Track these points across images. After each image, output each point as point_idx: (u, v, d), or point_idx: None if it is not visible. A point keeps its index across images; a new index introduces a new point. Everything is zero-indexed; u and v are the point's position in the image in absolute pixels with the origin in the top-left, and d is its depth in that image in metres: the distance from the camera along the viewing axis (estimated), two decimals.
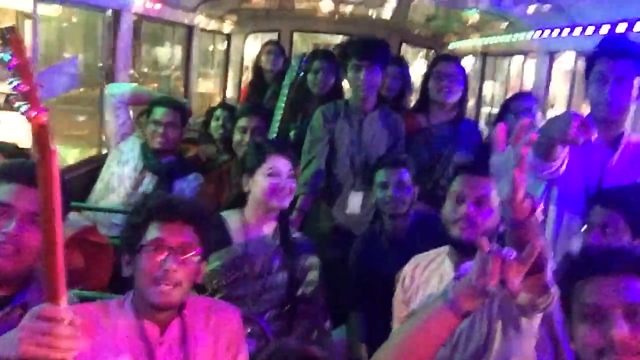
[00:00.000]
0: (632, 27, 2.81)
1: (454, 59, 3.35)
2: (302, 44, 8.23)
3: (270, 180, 2.24)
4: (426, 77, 3.23)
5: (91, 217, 3.01)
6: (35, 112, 1.04)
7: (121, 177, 3.11)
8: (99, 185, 3.18)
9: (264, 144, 2.45)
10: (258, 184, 2.26)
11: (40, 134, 1.07)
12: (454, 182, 1.98)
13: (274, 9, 6.76)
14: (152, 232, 1.63)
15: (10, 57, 1.02)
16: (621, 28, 2.92)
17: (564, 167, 2.00)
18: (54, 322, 1.13)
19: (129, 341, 1.60)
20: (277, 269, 2.27)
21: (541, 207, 1.50)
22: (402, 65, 3.90)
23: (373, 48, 2.96)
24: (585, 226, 1.99)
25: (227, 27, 6.69)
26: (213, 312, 1.73)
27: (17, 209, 1.51)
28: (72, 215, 2.55)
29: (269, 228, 2.31)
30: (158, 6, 4.48)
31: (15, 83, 1.03)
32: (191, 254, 1.63)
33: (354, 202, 2.95)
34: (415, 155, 2.94)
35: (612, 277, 1.24)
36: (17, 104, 1.05)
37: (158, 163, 3.12)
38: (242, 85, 6.36)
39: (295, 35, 7.36)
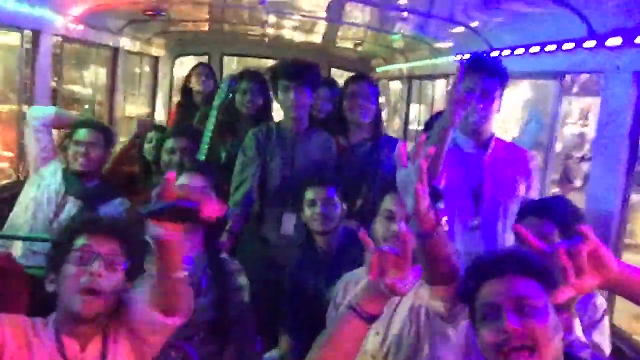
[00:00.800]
0: (544, 49, 3.00)
1: (366, 78, 3.42)
2: (232, 66, 8.22)
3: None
4: (341, 98, 3.28)
5: (7, 244, 2.84)
6: None
7: (41, 202, 2.96)
8: (16, 210, 3.01)
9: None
10: None
11: None
12: (385, 201, 2.02)
13: (202, 32, 6.74)
14: (80, 242, 1.64)
15: None
16: (534, 49, 3.11)
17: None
18: None
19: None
20: (205, 290, 2.21)
21: (445, 218, 1.60)
22: (333, 88, 3.95)
23: (302, 70, 3.00)
24: (514, 236, 2.10)
25: (155, 50, 6.59)
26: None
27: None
28: None
29: (194, 249, 2.25)
30: (81, 27, 4.36)
31: None
32: (118, 263, 1.64)
33: (288, 223, 2.93)
34: (341, 174, 2.97)
35: (501, 279, 1.40)
36: None
37: (82, 187, 2.99)
38: (172, 108, 6.27)
39: (226, 59, 7.36)
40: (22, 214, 2.98)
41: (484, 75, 2.39)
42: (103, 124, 3.32)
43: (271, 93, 3.26)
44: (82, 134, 3.01)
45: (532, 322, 1.33)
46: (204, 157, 3.21)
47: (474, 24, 3.73)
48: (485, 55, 3.13)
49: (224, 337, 2.21)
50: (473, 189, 2.48)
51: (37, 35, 3.78)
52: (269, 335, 2.55)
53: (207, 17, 5.70)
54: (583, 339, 1.70)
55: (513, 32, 3.37)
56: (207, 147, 3.25)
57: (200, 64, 4.66)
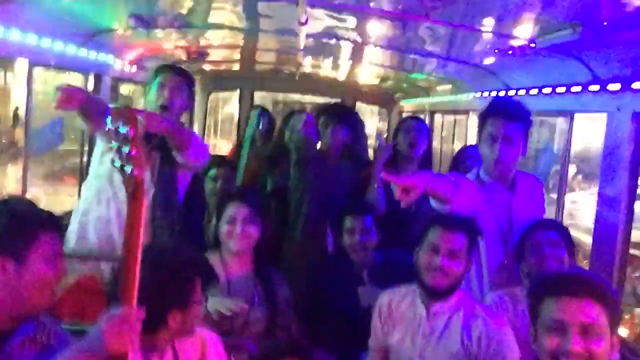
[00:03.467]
0: (555, 90, 3.35)
1: (419, 118, 3.85)
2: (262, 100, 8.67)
3: (227, 226, 2.57)
4: (395, 132, 3.70)
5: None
6: (137, 171, 1.39)
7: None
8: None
9: (226, 194, 2.84)
10: (221, 229, 2.59)
11: (137, 188, 1.44)
12: (429, 233, 2.27)
13: (235, 70, 7.22)
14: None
15: (127, 130, 1.37)
16: (546, 90, 3.46)
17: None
18: (132, 321, 1.41)
19: None
20: (258, 304, 2.53)
21: None
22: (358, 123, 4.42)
23: (340, 112, 3.50)
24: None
25: None
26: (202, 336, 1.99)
27: None
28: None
29: (246, 266, 2.60)
30: (134, 69, 4.83)
31: (125, 149, 1.38)
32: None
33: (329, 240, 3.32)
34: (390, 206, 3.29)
35: (575, 299, 1.59)
36: (117, 163, 1.39)
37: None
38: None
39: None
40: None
41: (506, 120, 2.49)
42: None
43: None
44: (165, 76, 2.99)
45: (593, 346, 1.55)
46: (240, 183, 3.57)
47: (490, 64, 4.09)
48: (505, 98, 3.40)
49: None
50: (502, 232, 2.60)
51: (98, 77, 4.24)
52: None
53: (239, 57, 6.18)
54: None
55: (527, 74, 3.73)
56: (242, 174, 3.61)
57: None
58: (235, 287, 2.53)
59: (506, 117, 2.52)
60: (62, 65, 3.57)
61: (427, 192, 2.41)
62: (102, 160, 2.95)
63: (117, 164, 1.43)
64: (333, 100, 6.52)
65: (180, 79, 3.00)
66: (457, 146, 5.50)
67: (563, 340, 1.56)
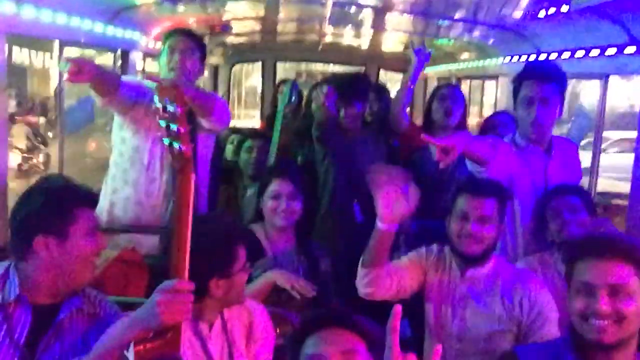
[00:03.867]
0: (588, 53, 3.28)
1: (455, 85, 3.80)
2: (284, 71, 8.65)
3: (272, 202, 2.60)
4: (430, 100, 3.68)
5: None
6: (185, 148, 1.42)
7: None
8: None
9: (269, 169, 2.87)
10: (265, 204, 2.62)
11: (185, 164, 1.48)
12: (458, 200, 2.28)
13: (256, 42, 7.19)
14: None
15: (174, 107, 1.40)
16: (579, 54, 3.38)
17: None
18: (185, 293, 1.46)
19: (189, 340, 1.87)
20: (303, 277, 2.54)
21: None
22: (381, 93, 4.41)
23: (350, 86, 3.52)
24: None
25: (215, 59, 7.07)
26: (248, 307, 2.04)
27: None
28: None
29: (290, 241, 2.65)
30: (159, 45, 4.84)
31: (173, 127, 1.41)
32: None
33: (358, 212, 3.33)
34: (420, 169, 3.32)
35: (602, 260, 1.60)
36: (167, 140, 1.42)
37: None
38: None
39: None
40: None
41: (542, 82, 2.49)
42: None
43: None
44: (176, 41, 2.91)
45: (622, 306, 1.56)
46: (274, 156, 3.59)
47: (520, 27, 4.00)
48: (540, 61, 3.35)
49: None
50: (538, 196, 2.61)
51: (125, 54, 4.27)
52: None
53: (260, 28, 6.14)
54: None
55: (559, 37, 3.65)
56: (276, 147, 3.63)
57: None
58: (281, 262, 2.58)
59: (542, 79, 2.52)
60: (91, 43, 3.60)
61: (466, 154, 2.44)
62: (123, 136, 2.94)
63: (166, 141, 1.46)
64: (355, 69, 6.45)
65: (190, 42, 2.91)
66: (487, 113, 5.43)
67: (591, 301, 1.58)
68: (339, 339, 1.45)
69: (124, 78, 2.87)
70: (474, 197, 2.23)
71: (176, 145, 1.45)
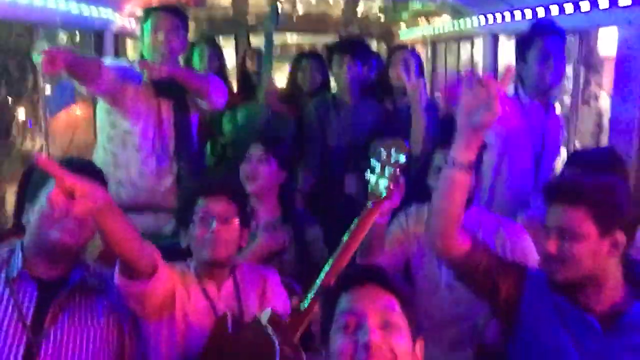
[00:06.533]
0: (563, 10, 3.33)
1: (407, 47, 3.81)
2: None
3: (242, 165, 2.60)
4: (387, 66, 3.65)
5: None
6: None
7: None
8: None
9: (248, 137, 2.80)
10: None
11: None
12: (435, 156, 2.37)
13: (229, 15, 7.10)
14: (200, 205, 1.99)
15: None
16: (554, 11, 3.44)
17: None
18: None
19: (195, 300, 1.93)
20: (289, 247, 2.56)
21: None
22: (378, 58, 4.37)
23: (353, 46, 3.43)
24: None
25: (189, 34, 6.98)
26: (262, 273, 2.09)
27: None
28: None
29: (272, 211, 2.62)
30: (133, 23, 4.77)
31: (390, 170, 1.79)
32: (232, 218, 1.98)
33: (350, 183, 3.35)
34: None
35: (559, 205, 1.65)
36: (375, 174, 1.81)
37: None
38: None
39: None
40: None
41: (554, 38, 2.55)
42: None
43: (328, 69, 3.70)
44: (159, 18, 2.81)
45: (567, 247, 1.62)
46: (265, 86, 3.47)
47: None
48: (541, 19, 3.31)
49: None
50: (536, 153, 2.66)
51: (99, 34, 4.21)
52: None
53: (231, 1, 6.07)
54: None
55: None
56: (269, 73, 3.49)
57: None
58: (263, 233, 2.56)
59: (555, 35, 2.58)
60: (68, 24, 3.55)
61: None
62: (112, 121, 2.88)
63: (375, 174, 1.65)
64: (330, 39, 6.44)
65: (175, 19, 2.84)
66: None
67: (545, 243, 1.67)
68: (376, 296, 1.40)
69: (107, 62, 2.81)
70: (446, 149, 2.31)
71: (383, 182, 1.82)
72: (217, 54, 3.84)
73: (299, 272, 2.57)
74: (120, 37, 4.73)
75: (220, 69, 3.77)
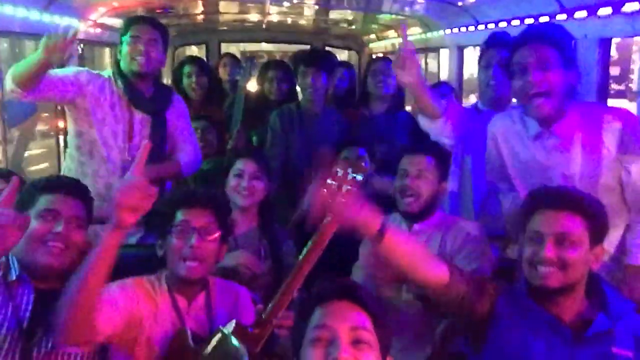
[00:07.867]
0: (523, 22, 3.40)
1: (387, 58, 3.89)
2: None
3: (234, 180, 2.59)
4: (365, 75, 3.76)
5: None
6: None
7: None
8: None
9: (235, 150, 2.80)
10: (228, 183, 2.62)
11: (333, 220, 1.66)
12: (401, 161, 2.38)
13: (199, 23, 7.08)
14: (179, 217, 1.91)
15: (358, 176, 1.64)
16: (515, 23, 3.51)
17: None
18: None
19: (166, 312, 1.87)
20: (264, 258, 2.54)
21: None
22: (349, 68, 4.46)
23: (318, 57, 3.46)
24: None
25: None
26: (235, 290, 2.05)
27: (62, 214, 1.83)
28: None
29: (252, 222, 2.61)
30: (98, 30, 4.72)
31: (347, 187, 1.63)
32: (213, 233, 1.91)
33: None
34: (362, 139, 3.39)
35: (553, 211, 1.69)
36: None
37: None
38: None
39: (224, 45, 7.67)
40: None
41: (538, 44, 2.14)
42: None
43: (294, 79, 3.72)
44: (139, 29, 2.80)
45: (566, 254, 1.65)
46: (233, 139, 3.59)
47: (460, 3, 4.11)
48: (539, 25, 3.08)
49: None
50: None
51: None
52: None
53: (202, 10, 6.05)
54: None
55: (496, 8, 3.78)
56: (238, 127, 3.62)
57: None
58: (241, 242, 2.55)
59: (537, 41, 2.27)
60: (27, 31, 3.49)
61: (419, 100, 2.59)
62: (79, 130, 2.85)
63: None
64: (301, 48, 6.46)
65: (155, 30, 2.83)
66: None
67: (539, 249, 1.67)
68: (349, 312, 1.38)
69: (54, 71, 2.71)
70: (410, 154, 2.36)
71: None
72: (204, 70, 4.10)
73: (270, 286, 2.55)
74: (86, 46, 4.68)
75: (209, 83, 4.03)
